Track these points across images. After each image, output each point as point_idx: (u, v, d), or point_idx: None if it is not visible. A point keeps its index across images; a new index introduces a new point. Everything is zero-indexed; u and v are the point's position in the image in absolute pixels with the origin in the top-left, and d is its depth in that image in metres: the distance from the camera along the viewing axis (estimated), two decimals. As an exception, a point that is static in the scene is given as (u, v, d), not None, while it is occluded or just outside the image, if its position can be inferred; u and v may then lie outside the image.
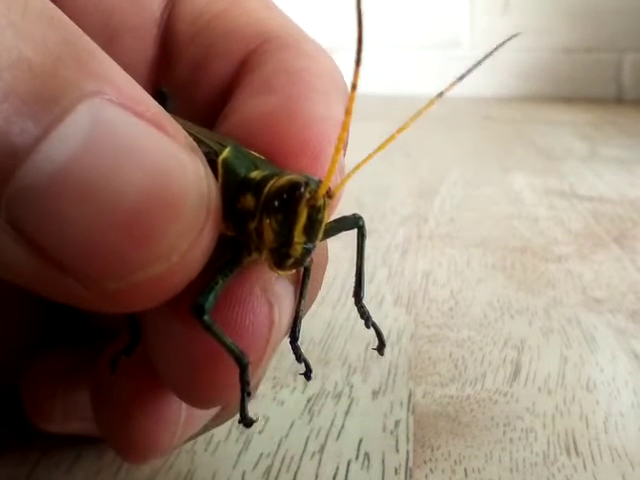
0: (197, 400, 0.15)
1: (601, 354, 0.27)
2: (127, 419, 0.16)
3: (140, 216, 0.11)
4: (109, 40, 0.19)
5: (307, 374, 0.16)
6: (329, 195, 0.13)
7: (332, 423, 0.22)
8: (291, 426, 0.22)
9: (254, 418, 0.14)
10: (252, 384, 0.14)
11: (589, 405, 0.24)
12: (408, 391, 0.24)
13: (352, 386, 0.25)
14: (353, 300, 0.17)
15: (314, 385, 0.25)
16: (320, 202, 0.13)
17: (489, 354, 0.27)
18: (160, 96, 0.19)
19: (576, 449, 0.21)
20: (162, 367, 0.15)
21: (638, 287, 0.34)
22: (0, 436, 0.21)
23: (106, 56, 0.12)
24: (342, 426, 0.22)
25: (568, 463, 0.20)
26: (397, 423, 0.22)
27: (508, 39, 0.15)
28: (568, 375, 0.26)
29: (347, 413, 0.23)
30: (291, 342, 0.16)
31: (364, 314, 0.17)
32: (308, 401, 0.24)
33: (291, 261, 0.13)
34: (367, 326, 0.17)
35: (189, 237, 0.12)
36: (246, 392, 0.14)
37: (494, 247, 0.41)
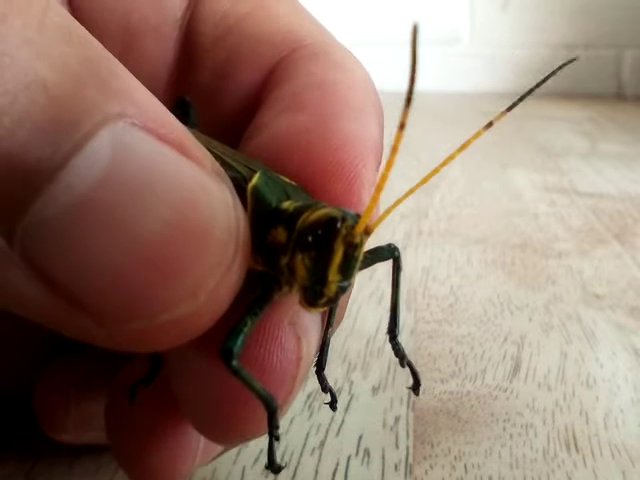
0: (220, 438, 0.14)
1: (601, 350, 0.27)
2: (145, 449, 0.16)
3: (164, 252, 0.10)
4: (128, 43, 0.18)
5: (332, 404, 0.16)
6: (366, 232, 0.12)
7: (332, 419, 0.22)
8: (291, 422, 0.22)
9: (282, 465, 0.13)
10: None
11: (589, 401, 0.24)
12: (408, 387, 0.24)
13: (352, 382, 0.25)
14: (388, 337, 0.16)
15: (314, 381, 0.25)
16: (357, 239, 0.12)
17: (489, 350, 0.27)
18: (182, 106, 0.18)
19: (576, 445, 0.21)
20: (184, 403, 0.14)
21: (638, 283, 0.34)
22: (0, 434, 0.21)
23: (128, 73, 0.11)
24: (342, 422, 0.22)
25: (568, 459, 0.20)
26: (397, 419, 0.22)
27: (565, 63, 0.14)
28: (568, 371, 0.26)
29: (347, 409, 0.23)
30: (317, 371, 0.15)
31: (398, 352, 0.16)
32: (308, 397, 0.24)
33: (324, 300, 0.12)
34: (402, 365, 0.16)
35: (217, 274, 0.11)
36: (275, 437, 0.13)
37: (494, 243, 0.41)
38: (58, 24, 0.11)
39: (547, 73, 0.13)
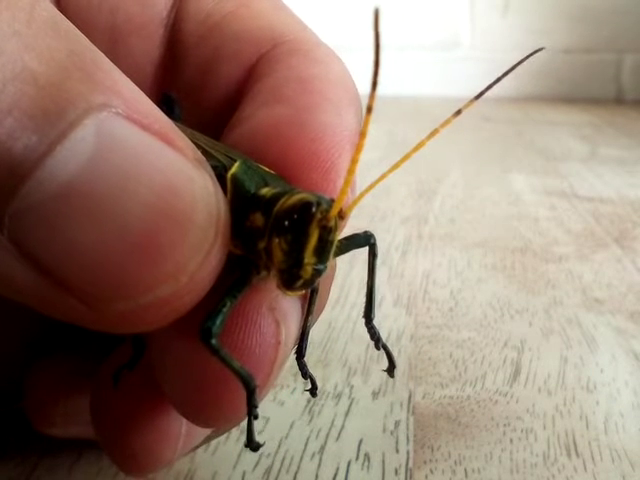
0: (201, 420, 0.15)
1: (601, 354, 0.27)
2: (128, 434, 0.16)
3: (147, 235, 0.11)
4: (114, 40, 0.19)
5: (313, 391, 0.16)
6: (341, 216, 0.12)
7: (332, 424, 0.22)
8: (291, 426, 0.22)
9: (261, 442, 0.13)
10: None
11: (589, 406, 0.24)
12: (408, 392, 0.24)
13: (352, 387, 0.25)
14: (363, 321, 0.17)
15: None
16: (332, 223, 0.12)
17: (489, 355, 0.27)
18: (167, 102, 0.19)
19: (576, 450, 0.21)
20: (166, 386, 0.15)
21: (638, 287, 0.34)
22: (0, 437, 0.21)
23: (113, 66, 0.12)
24: (342, 427, 0.22)
25: (568, 464, 0.20)
26: (397, 424, 0.22)
27: (533, 52, 0.14)
28: (568, 376, 0.26)
29: (347, 414, 0.23)
30: (297, 358, 0.16)
31: (374, 335, 0.17)
32: (308, 402, 0.24)
33: (301, 282, 0.13)
34: (377, 347, 0.17)
35: (198, 257, 0.11)
36: (253, 415, 0.13)
37: (494, 247, 0.41)
38: (46, 18, 0.11)
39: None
